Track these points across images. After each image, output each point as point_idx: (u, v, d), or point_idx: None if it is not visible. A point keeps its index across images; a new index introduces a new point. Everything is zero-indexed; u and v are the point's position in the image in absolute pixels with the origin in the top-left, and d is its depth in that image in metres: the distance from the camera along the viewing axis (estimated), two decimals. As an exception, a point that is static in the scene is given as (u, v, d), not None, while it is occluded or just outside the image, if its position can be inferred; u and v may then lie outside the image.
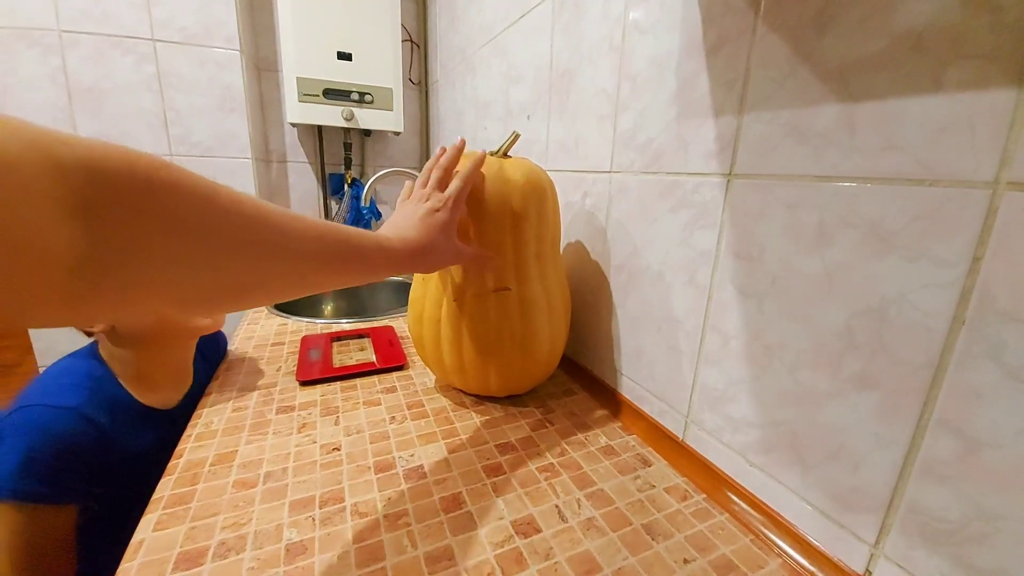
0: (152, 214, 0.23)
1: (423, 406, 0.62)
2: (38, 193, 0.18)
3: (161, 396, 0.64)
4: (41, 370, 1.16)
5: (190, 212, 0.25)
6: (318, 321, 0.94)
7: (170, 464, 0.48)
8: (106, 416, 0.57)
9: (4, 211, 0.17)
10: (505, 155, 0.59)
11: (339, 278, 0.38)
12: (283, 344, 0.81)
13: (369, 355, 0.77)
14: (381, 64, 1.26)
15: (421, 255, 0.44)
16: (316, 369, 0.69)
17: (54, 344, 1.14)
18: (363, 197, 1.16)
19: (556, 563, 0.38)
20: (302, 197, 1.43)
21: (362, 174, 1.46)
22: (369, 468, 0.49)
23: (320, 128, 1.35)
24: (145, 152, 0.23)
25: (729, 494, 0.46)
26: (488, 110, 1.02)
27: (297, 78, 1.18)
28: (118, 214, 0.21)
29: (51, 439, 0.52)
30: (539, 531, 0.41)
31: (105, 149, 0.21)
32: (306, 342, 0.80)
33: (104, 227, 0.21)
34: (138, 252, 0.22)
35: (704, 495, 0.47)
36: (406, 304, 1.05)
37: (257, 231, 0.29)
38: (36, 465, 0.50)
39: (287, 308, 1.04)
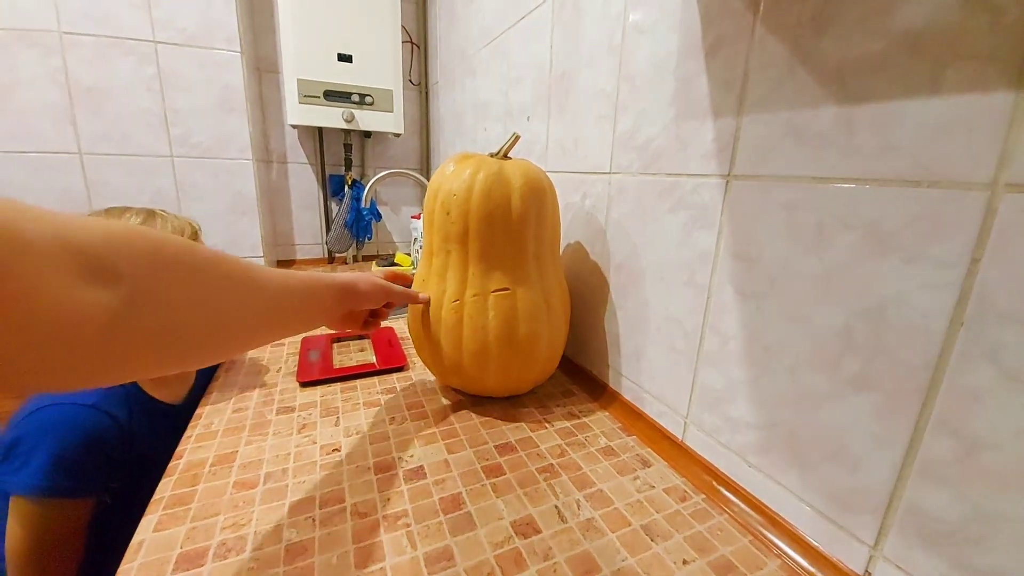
0: (173, 279, 0.28)
1: (423, 407, 0.62)
2: (54, 265, 0.21)
3: (169, 391, 0.66)
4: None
5: (205, 275, 0.30)
6: (318, 322, 0.94)
7: (170, 465, 0.48)
8: (124, 412, 0.59)
9: (27, 280, 0.20)
10: (505, 156, 0.59)
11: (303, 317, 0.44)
12: (283, 345, 0.81)
13: (369, 356, 0.77)
14: (381, 66, 1.27)
15: (351, 285, 0.50)
16: (316, 370, 0.69)
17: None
18: (363, 198, 1.16)
19: (555, 563, 0.38)
20: (302, 198, 1.43)
21: (362, 175, 1.46)
22: (369, 469, 0.49)
23: (320, 129, 1.35)
24: (164, 233, 0.29)
25: (728, 495, 0.46)
26: (488, 111, 1.02)
27: (297, 80, 1.18)
28: (142, 281, 0.25)
29: (79, 435, 0.54)
30: (538, 532, 0.41)
31: (127, 231, 0.26)
32: (306, 343, 0.80)
33: (127, 291, 0.25)
34: (161, 311, 0.27)
35: (703, 496, 0.47)
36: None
37: (252, 281, 0.35)
38: (65, 462, 0.52)
39: (287, 309, 1.04)
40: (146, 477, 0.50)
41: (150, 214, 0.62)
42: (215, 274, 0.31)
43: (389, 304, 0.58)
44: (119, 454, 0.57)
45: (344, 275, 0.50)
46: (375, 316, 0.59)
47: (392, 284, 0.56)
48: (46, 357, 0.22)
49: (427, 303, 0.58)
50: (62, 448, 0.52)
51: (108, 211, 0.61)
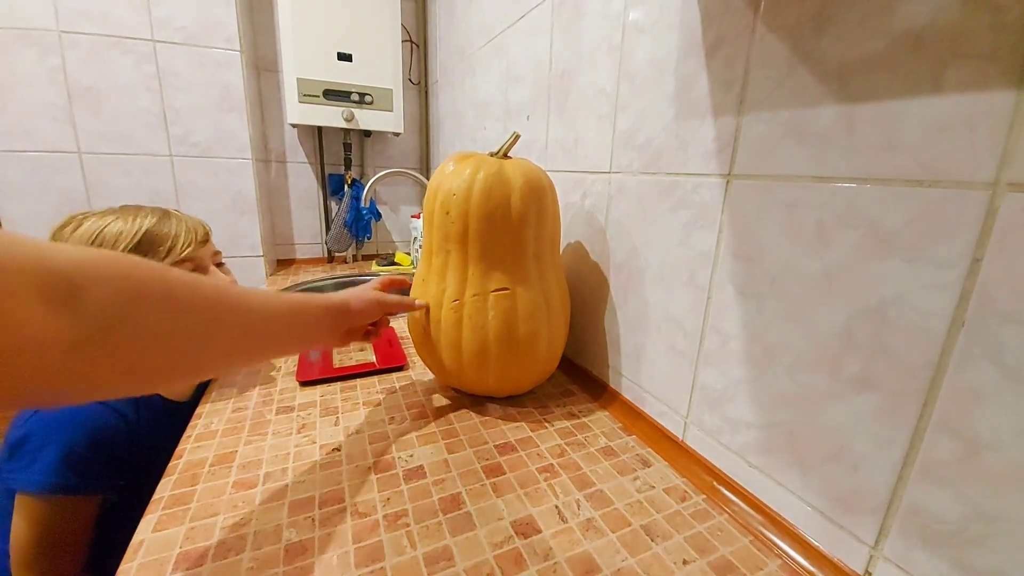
0: (143, 303, 0.28)
1: (423, 406, 0.62)
2: (20, 287, 0.22)
3: (176, 388, 0.67)
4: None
5: (178, 299, 0.31)
6: (318, 321, 0.94)
7: (170, 465, 0.48)
8: (132, 410, 0.59)
9: None
10: (505, 156, 0.59)
11: (294, 337, 0.45)
12: (283, 344, 0.80)
13: (369, 355, 0.77)
14: (381, 65, 1.26)
15: (343, 305, 0.51)
16: (316, 369, 0.69)
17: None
18: (363, 198, 1.16)
19: (555, 563, 0.38)
20: (302, 197, 1.43)
21: (362, 175, 1.46)
22: (369, 468, 0.49)
23: (320, 128, 1.35)
24: (138, 258, 0.29)
25: (729, 495, 0.46)
26: (488, 110, 1.02)
27: (297, 79, 1.18)
28: (108, 305, 0.26)
29: (88, 433, 0.54)
30: (538, 532, 0.41)
31: (98, 256, 0.27)
32: (306, 342, 0.80)
33: (93, 315, 0.25)
34: (129, 334, 0.27)
35: (704, 496, 0.47)
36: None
37: (230, 305, 0.36)
38: (73, 459, 0.52)
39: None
40: (152, 475, 0.50)
41: (165, 214, 0.62)
42: (187, 298, 0.32)
43: (388, 314, 0.58)
44: (126, 452, 0.57)
45: (336, 295, 0.51)
46: (376, 326, 0.58)
47: (386, 295, 0.56)
48: (9, 375, 0.22)
49: (425, 309, 0.58)
50: (70, 445, 0.53)
51: (123, 208, 0.61)
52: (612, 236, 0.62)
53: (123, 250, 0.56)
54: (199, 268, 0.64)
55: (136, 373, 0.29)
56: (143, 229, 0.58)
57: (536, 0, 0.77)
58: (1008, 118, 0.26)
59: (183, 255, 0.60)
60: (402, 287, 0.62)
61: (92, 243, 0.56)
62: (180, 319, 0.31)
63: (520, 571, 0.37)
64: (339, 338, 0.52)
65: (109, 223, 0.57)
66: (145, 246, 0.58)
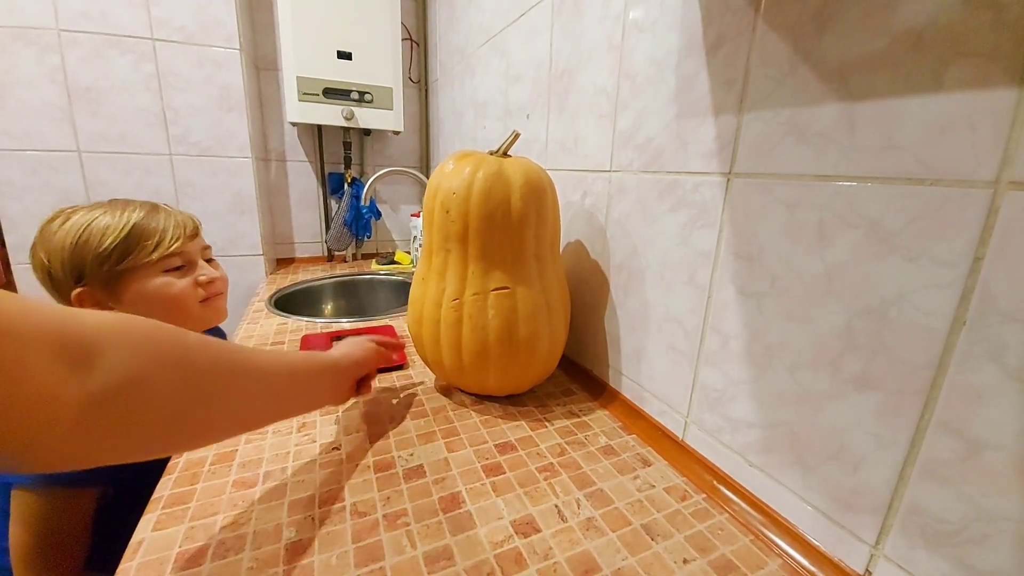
0: (158, 365, 0.28)
1: (423, 405, 0.62)
2: (38, 349, 0.22)
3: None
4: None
5: (193, 362, 0.31)
6: (318, 320, 0.94)
7: (170, 464, 0.48)
8: None
9: (6, 363, 0.21)
10: (505, 154, 0.59)
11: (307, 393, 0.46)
12: (283, 343, 0.81)
13: (369, 355, 0.77)
14: (381, 63, 1.26)
15: (345, 358, 0.52)
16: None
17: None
18: (363, 196, 1.16)
19: (555, 563, 0.38)
20: (301, 196, 1.43)
21: (362, 173, 1.46)
22: (368, 467, 0.49)
23: (320, 127, 1.35)
24: (157, 322, 0.30)
25: (729, 494, 0.46)
26: (487, 109, 1.02)
27: (297, 77, 1.18)
28: (125, 367, 0.26)
29: None
30: (538, 531, 0.41)
31: (118, 320, 0.27)
32: (306, 341, 0.80)
33: (108, 376, 0.25)
34: (143, 396, 0.27)
35: (704, 495, 0.47)
36: (406, 304, 1.05)
37: (242, 369, 0.36)
38: None
39: (287, 307, 1.04)
40: (151, 471, 0.50)
41: (153, 208, 0.62)
42: (202, 361, 0.32)
43: (381, 360, 0.60)
44: None
45: (335, 351, 0.52)
46: (366, 378, 0.57)
47: (378, 346, 0.58)
48: (21, 432, 0.22)
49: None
50: None
51: (111, 202, 0.61)
52: (612, 235, 0.62)
53: (111, 244, 0.57)
54: (188, 263, 0.64)
55: (148, 436, 0.29)
56: (131, 223, 0.58)
57: (536, -1, 0.77)
58: (1009, 117, 0.26)
59: (171, 249, 0.60)
60: (389, 335, 0.63)
61: (80, 236, 0.56)
62: (194, 382, 0.31)
63: (520, 570, 0.37)
64: (344, 394, 0.52)
65: (97, 217, 0.57)
66: (133, 240, 0.58)
